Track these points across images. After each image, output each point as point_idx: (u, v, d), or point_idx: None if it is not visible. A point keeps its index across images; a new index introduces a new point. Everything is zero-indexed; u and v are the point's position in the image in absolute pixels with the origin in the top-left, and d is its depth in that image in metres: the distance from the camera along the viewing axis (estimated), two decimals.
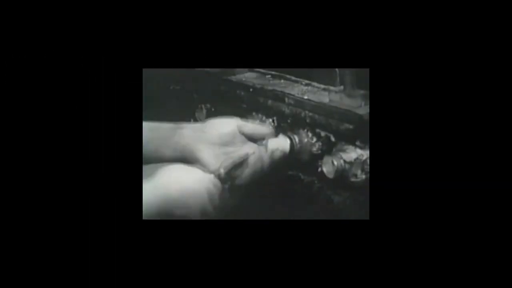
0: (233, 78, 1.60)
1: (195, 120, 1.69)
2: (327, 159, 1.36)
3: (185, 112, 1.72)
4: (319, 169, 1.39)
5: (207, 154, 1.36)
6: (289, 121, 1.48)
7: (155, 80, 1.67)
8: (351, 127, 1.33)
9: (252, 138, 1.43)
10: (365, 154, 1.32)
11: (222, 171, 1.31)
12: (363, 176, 1.33)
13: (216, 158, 1.33)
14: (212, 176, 1.29)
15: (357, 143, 1.34)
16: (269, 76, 1.60)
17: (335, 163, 1.34)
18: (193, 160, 1.35)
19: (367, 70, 1.16)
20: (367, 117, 1.28)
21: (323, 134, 1.42)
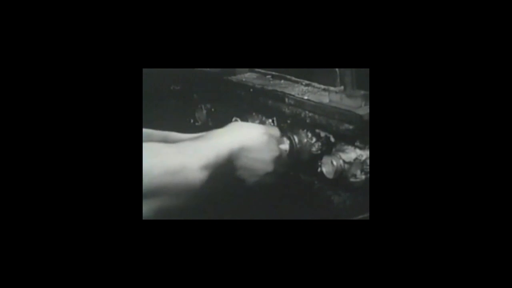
0: (233, 78, 1.60)
1: (195, 121, 1.70)
2: (326, 160, 1.37)
3: (185, 112, 1.72)
4: (319, 170, 1.40)
5: None
6: (289, 121, 1.48)
7: (155, 80, 1.67)
8: (351, 127, 1.33)
9: None
10: (364, 154, 1.32)
11: None
12: (363, 177, 1.33)
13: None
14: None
15: (357, 143, 1.34)
16: (269, 76, 1.60)
17: (335, 163, 1.34)
18: None
19: (367, 70, 1.16)
20: (367, 118, 1.28)
21: (323, 134, 1.42)
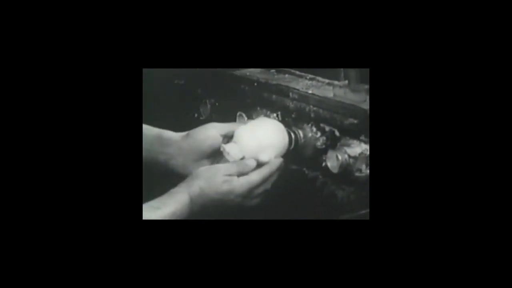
0: (237, 72, 1.60)
1: (199, 115, 1.70)
2: (331, 154, 1.37)
3: (189, 106, 1.72)
4: (324, 164, 1.40)
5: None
6: (293, 115, 1.48)
7: (159, 75, 1.67)
8: (355, 121, 1.33)
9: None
10: (369, 148, 1.32)
11: None
12: (368, 171, 1.33)
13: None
14: None
15: (362, 137, 1.34)
16: (274, 70, 1.60)
17: (340, 157, 1.34)
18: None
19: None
20: None
21: (327, 128, 1.41)
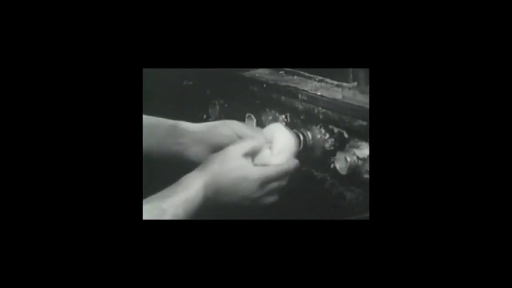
0: (246, 74, 1.61)
1: (208, 116, 1.70)
2: (340, 156, 1.37)
3: (198, 108, 1.73)
4: (332, 166, 1.40)
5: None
6: (302, 117, 1.48)
7: (167, 75, 1.68)
8: (364, 123, 1.33)
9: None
10: None
11: None
12: None
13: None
14: None
15: None
16: (282, 72, 1.60)
17: (348, 159, 1.34)
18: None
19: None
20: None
21: (336, 130, 1.41)
